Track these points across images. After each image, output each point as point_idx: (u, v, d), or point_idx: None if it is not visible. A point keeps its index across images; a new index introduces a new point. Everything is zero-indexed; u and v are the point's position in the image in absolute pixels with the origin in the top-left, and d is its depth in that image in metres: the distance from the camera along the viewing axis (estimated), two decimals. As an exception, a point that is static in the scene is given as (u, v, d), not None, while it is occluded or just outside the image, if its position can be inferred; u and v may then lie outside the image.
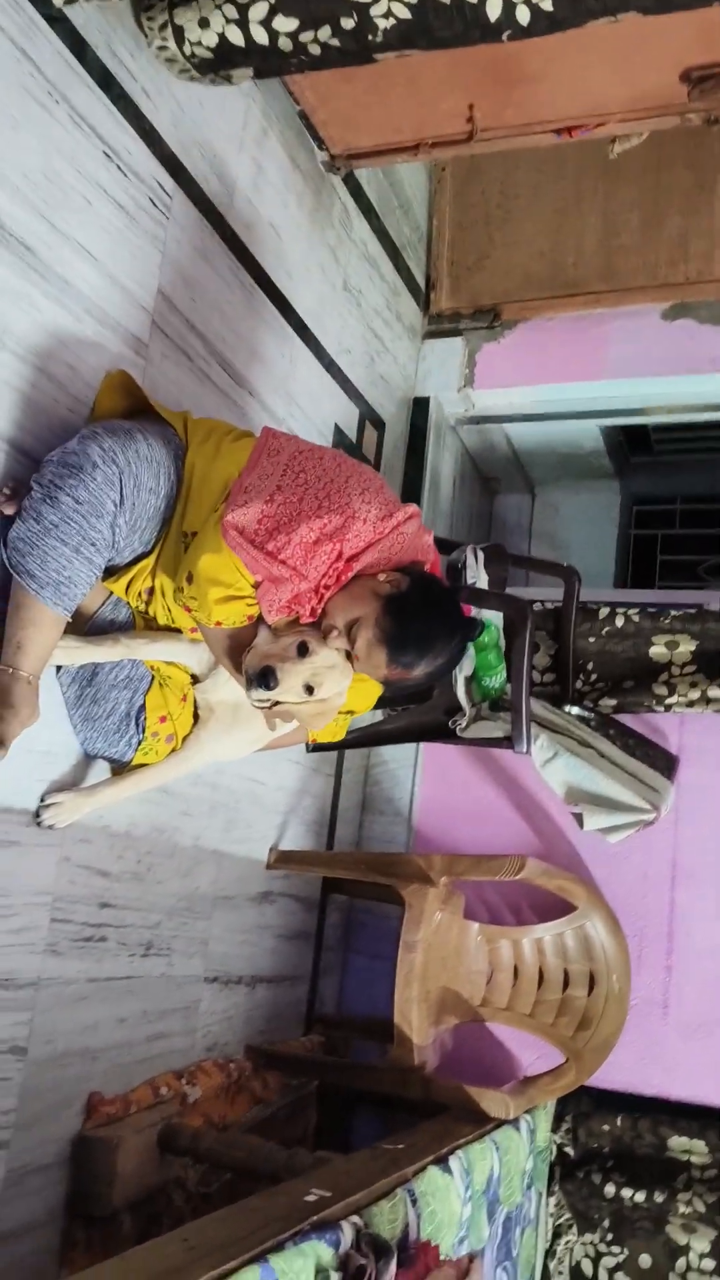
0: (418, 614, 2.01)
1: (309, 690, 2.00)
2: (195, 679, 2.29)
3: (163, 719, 2.20)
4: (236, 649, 2.07)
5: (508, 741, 2.88)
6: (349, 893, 3.38)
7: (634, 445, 4.93)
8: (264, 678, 1.95)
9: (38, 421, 2.05)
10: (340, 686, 2.08)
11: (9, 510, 1.92)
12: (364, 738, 3.17)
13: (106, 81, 2.21)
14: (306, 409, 3.14)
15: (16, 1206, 2.04)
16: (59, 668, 2.11)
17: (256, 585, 1.99)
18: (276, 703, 2.02)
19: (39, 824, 2.09)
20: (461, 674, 3.00)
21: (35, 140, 2.02)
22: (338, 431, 3.36)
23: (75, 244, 2.13)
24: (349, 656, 2.05)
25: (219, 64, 2.29)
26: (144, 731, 2.16)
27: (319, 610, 2.05)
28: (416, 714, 3.10)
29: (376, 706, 3.15)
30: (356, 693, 2.22)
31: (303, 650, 1.98)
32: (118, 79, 2.24)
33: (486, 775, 3.43)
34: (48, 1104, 2.11)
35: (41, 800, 2.09)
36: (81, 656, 2.07)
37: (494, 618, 3.01)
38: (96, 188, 2.19)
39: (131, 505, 1.95)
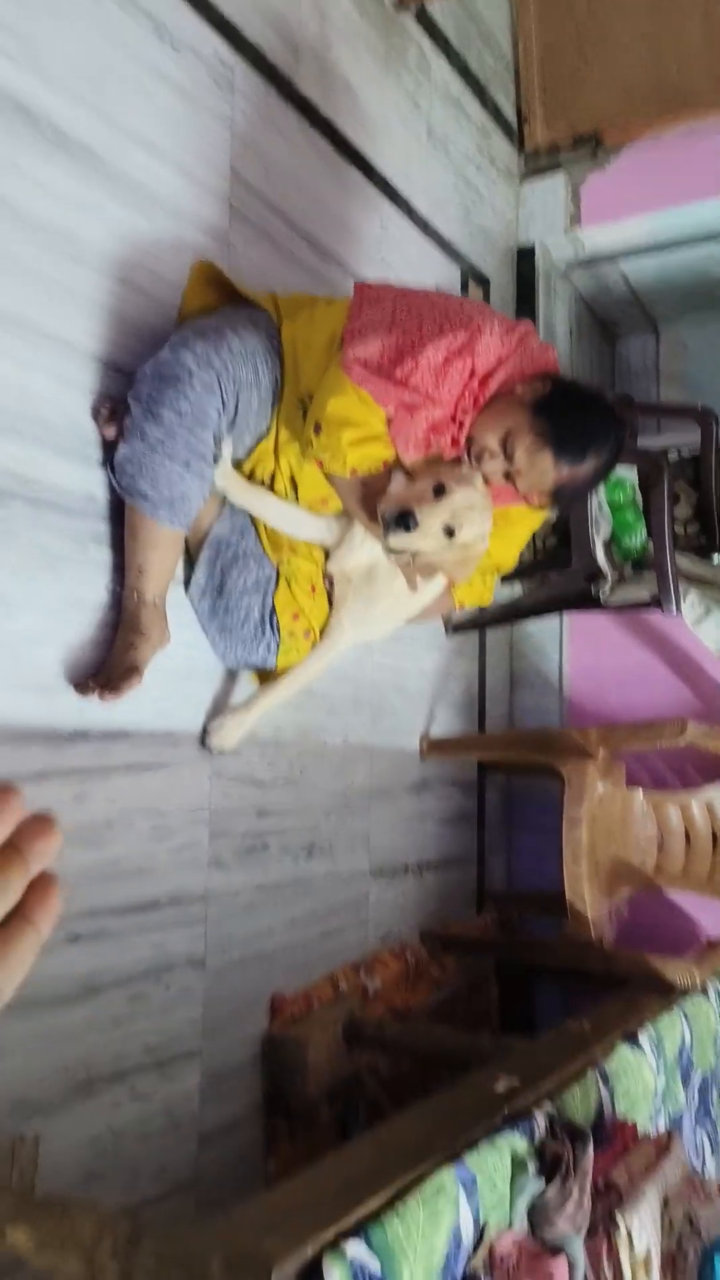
0: (570, 408, 1.93)
1: (449, 534, 1.88)
2: (326, 556, 2.22)
3: (295, 616, 2.15)
4: (371, 497, 1.97)
5: (655, 603, 2.74)
6: (507, 771, 3.34)
7: (764, 263, 4.53)
8: (403, 519, 1.83)
9: (128, 334, 1.97)
10: (482, 528, 1.94)
11: (109, 433, 1.87)
12: (504, 613, 3.07)
13: (146, -50, 2.05)
14: (403, 275, 2.96)
15: (218, 1107, 2.12)
16: (186, 584, 2.08)
17: (389, 422, 1.90)
18: (415, 555, 1.92)
19: (208, 749, 2.09)
20: (599, 536, 2.85)
21: (81, 30, 1.88)
22: (440, 296, 3.17)
23: (139, 138, 2.01)
24: (508, 478, 1.94)
25: None
26: (279, 633, 2.12)
27: (460, 440, 1.95)
28: (556, 584, 2.98)
29: (515, 576, 3.04)
30: (501, 541, 2.14)
31: (439, 491, 1.86)
32: (157, -55, 2.07)
33: (637, 638, 3.29)
34: (232, 1009, 2.16)
35: (203, 729, 2.09)
36: (234, 487, 2.00)
37: (628, 474, 2.84)
38: (152, 73, 2.05)
39: (234, 407, 1.87)
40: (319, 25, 2.62)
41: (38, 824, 0.52)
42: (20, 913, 0.51)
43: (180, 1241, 1.23)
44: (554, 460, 1.91)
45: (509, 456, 1.92)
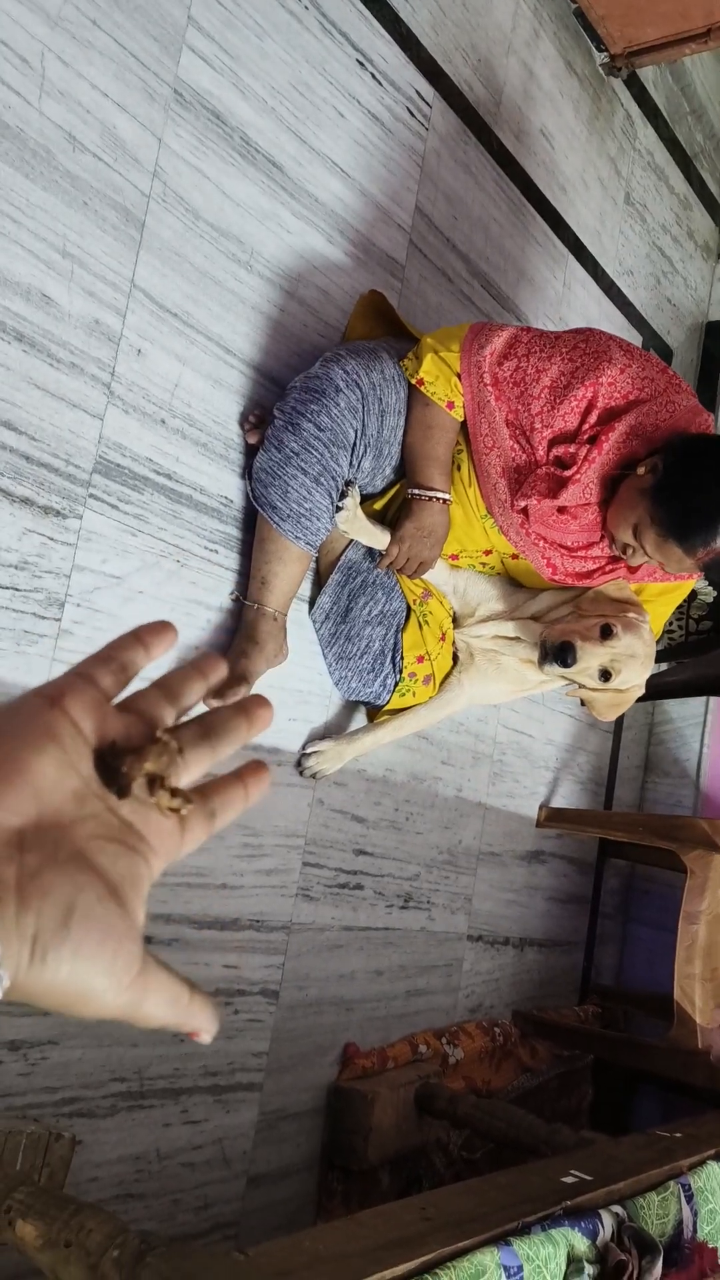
0: (686, 487, 1.74)
1: (605, 677, 1.93)
2: (455, 622, 2.16)
3: (420, 659, 2.08)
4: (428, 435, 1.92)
5: None
6: (630, 858, 3.15)
7: None
8: (562, 653, 1.89)
9: (287, 347, 1.97)
10: (639, 679, 1.98)
11: (253, 439, 1.86)
12: (645, 691, 2.92)
13: (359, -16, 2.09)
14: (582, 335, 2.90)
15: (273, 1150, 2.01)
16: (311, 605, 2.04)
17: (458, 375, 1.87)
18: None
19: (301, 773, 2.03)
20: (756, 621, 2.69)
21: (282, 49, 1.92)
22: (618, 360, 3.09)
23: (326, 159, 2.03)
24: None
25: (478, -51, 2.10)
26: (400, 671, 2.05)
27: (578, 477, 1.83)
28: (702, 665, 2.82)
29: (661, 659, 2.90)
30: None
31: (607, 633, 1.89)
32: (370, -20, 2.11)
33: (787, 736, 3.08)
34: (301, 1050, 2.07)
35: (303, 749, 2.04)
36: (356, 529, 1.94)
37: None
38: (349, 99, 2.07)
39: (377, 431, 1.83)
40: (525, 79, 2.62)
41: (260, 700, 0.55)
42: (237, 773, 0.54)
43: (188, 1268, 1.14)
44: (682, 551, 1.78)
45: (647, 552, 1.83)
